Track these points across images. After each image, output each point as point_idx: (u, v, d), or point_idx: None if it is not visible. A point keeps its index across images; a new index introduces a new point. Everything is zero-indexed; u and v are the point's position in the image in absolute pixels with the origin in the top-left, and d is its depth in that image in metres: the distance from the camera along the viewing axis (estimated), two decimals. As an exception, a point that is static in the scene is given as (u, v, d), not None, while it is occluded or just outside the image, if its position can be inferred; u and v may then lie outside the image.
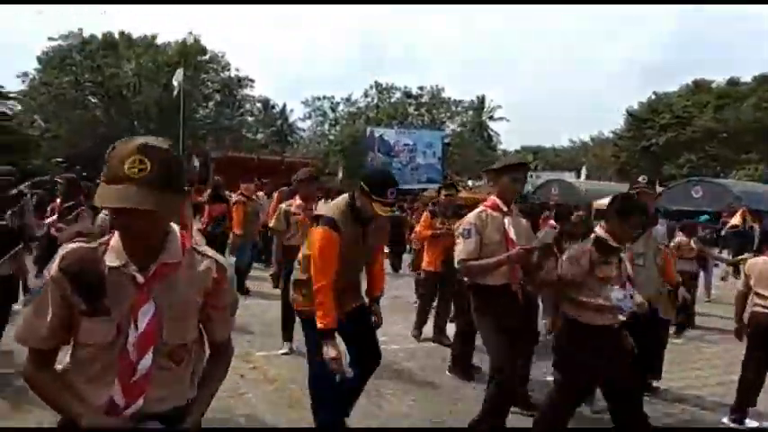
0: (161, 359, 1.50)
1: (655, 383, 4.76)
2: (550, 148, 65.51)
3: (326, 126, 50.29)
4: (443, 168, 33.40)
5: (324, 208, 3.35)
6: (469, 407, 4.10)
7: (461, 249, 3.40)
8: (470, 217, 3.47)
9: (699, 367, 5.48)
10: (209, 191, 10.78)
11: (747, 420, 4.29)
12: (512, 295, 3.44)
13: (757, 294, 4.26)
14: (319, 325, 3.05)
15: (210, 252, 1.63)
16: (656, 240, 4.26)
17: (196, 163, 27.89)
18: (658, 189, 28.77)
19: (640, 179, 4.27)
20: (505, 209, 3.48)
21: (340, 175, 34.53)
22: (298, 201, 5.39)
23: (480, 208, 3.53)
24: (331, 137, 47.96)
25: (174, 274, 1.51)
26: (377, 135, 33.46)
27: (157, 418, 1.52)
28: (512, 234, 3.41)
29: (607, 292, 3.21)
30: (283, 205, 5.45)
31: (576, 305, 3.27)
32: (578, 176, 39.22)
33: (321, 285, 3.04)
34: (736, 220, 15.87)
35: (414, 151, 33.16)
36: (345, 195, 3.24)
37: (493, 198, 3.53)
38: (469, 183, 40.17)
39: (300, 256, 3.40)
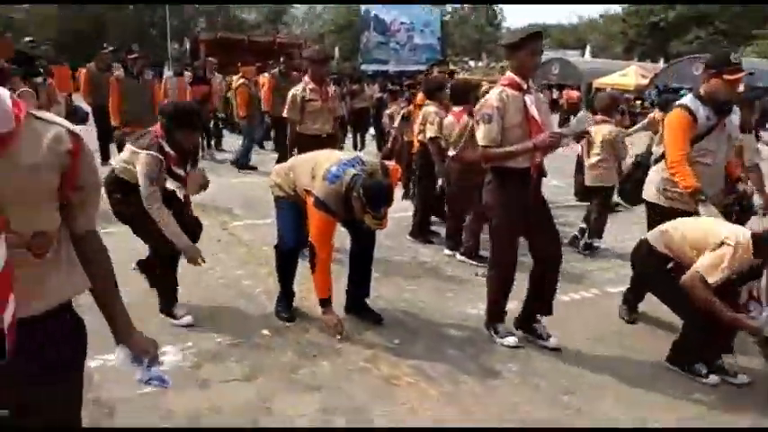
0: (18, 252, 1.27)
1: (596, 243, 5.26)
2: (557, 26, 62.85)
3: (320, 6, 48.09)
4: (443, 49, 32.51)
5: (317, 186, 3.27)
6: (421, 261, 4.79)
7: (482, 135, 3.22)
8: (491, 99, 3.22)
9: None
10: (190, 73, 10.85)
11: None
12: (529, 180, 3.29)
13: None
14: (319, 295, 3.43)
15: (59, 120, 1.34)
16: (730, 133, 3.47)
17: (186, 45, 27.22)
18: (661, 65, 28.08)
19: (732, 58, 3.29)
20: (525, 86, 3.23)
21: (336, 55, 33.74)
22: (310, 84, 5.00)
23: (499, 88, 3.27)
24: (325, 16, 46.04)
25: (7, 149, 1.23)
26: (372, 13, 32.25)
27: (40, 320, 1.34)
28: (534, 113, 3.20)
29: (758, 310, 3.06)
30: (298, 91, 4.99)
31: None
32: (583, 55, 38.03)
33: (322, 258, 3.33)
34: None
35: (411, 30, 32.07)
36: (343, 184, 3.20)
37: (510, 75, 3.26)
38: (470, 63, 39.15)
39: (285, 166, 3.63)
